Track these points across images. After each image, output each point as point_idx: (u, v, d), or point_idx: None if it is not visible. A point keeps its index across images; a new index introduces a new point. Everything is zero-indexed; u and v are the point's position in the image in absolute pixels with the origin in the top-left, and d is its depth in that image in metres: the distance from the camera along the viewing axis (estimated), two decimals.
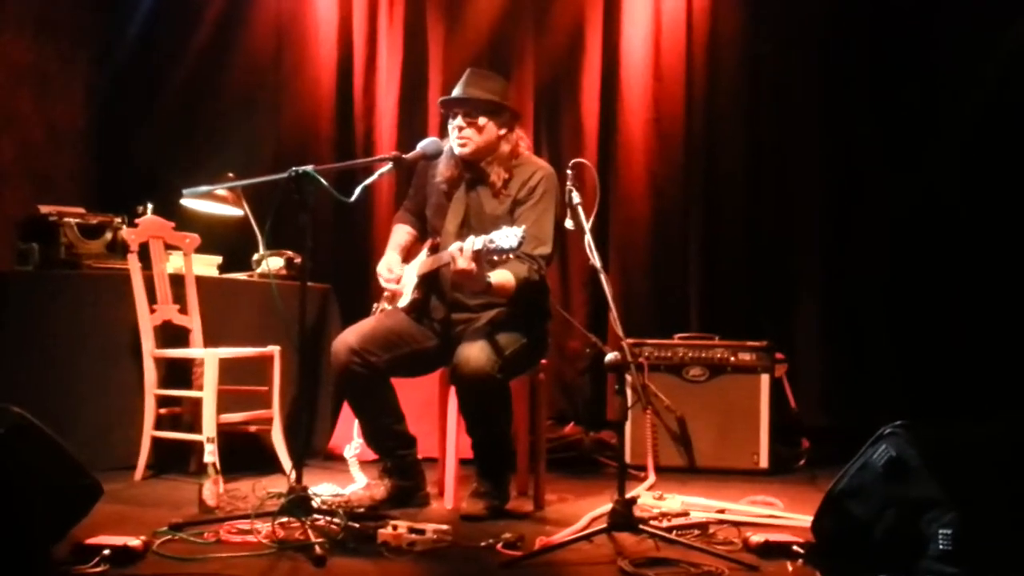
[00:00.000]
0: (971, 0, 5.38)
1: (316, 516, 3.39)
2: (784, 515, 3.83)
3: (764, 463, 4.97)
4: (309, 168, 3.52)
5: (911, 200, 5.51)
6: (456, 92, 4.01)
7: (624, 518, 3.20)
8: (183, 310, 4.63)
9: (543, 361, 4.14)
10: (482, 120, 3.94)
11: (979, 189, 5.42)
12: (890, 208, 5.59)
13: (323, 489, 4.08)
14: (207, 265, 5.05)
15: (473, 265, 3.54)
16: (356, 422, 4.14)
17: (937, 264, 5.45)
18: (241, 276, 5.19)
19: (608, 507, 3.28)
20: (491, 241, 3.43)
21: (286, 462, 4.49)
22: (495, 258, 3.50)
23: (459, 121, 3.96)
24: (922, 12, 5.56)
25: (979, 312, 5.32)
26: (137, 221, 4.63)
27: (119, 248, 4.75)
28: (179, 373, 4.62)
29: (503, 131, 3.99)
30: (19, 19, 5.55)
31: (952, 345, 5.32)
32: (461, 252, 3.55)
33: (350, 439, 4.39)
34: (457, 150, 3.99)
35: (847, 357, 5.63)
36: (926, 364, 5.36)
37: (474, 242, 3.52)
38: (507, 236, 3.40)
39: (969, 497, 2.77)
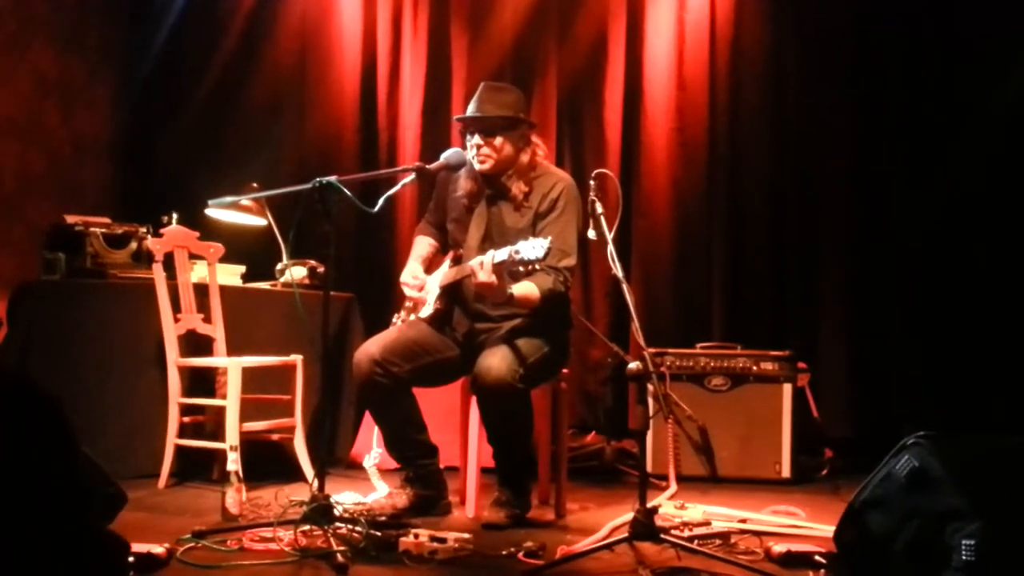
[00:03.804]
0: (1000, 13, 5.35)
1: (338, 524, 3.39)
2: (806, 525, 3.81)
3: (786, 473, 4.95)
4: (333, 179, 3.54)
5: (939, 209, 5.47)
6: (470, 110, 4.01)
7: (645, 527, 3.18)
8: (207, 319, 4.66)
9: (565, 370, 4.14)
10: (498, 140, 3.94)
11: (1010, 200, 5.39)
12: (917, 217, 5.54)
13: (345, 497, 4.09)
14: (231, 274, 5.09)
15: (494, 278, 3.55)
16: (376, 431, 4.15)
17: (964, 273, 5.41)
18: (264, 285, 5.21)
19: (629, 516, 3.28)
20: (516, 252, 3.43)
21: (308, 470, 4.51)
22: (520, 269, 3.49)
23: (477, 139, 3.96)
24: (949, 22, 5.54)
25: (1006, 323, 5.28)
26: (162, 231, 4.66)
27: (144, 258, 4.77)
28: (203, 382, 4.65)
29: (520, 144, 3.99)
30: (46, 33, 5.62)
31: (978, 356, 5.28)
32: (482, 266, 3.56)
33: (370, 448, 4.40)
34: (477, 167, 3.98)
35: (870, 367, 5.59)
36: (951, 375, 5.32)
37: (496, 255, 3.52)
38: (533, 247, 3.40)
39: (993, 507, 2.74)
